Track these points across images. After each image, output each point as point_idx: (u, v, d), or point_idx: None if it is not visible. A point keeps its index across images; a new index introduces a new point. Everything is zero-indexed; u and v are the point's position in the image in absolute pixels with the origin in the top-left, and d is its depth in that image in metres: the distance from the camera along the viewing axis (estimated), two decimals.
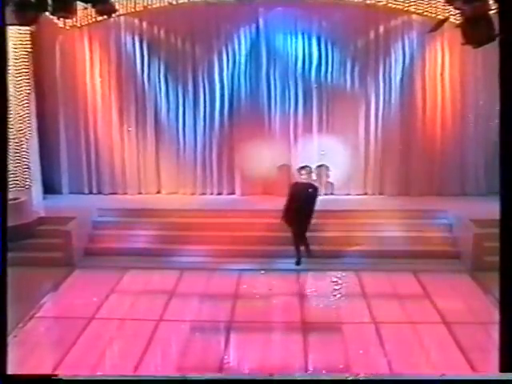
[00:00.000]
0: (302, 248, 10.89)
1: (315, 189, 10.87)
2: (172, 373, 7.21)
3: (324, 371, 7.28)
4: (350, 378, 4.93)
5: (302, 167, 11.03)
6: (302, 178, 10.87)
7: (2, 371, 4.67)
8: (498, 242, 4.58)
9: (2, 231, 4.72)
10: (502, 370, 4.68)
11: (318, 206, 12.17)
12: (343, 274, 10.47)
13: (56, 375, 4.84)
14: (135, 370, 7.21)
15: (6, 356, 4.72)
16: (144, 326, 8.44)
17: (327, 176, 13.43)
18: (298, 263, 10.71)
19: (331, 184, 13.46)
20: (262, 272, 10.35)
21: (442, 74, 13.04)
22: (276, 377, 4.95)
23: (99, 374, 6.34)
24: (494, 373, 4.94)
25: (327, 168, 13.45)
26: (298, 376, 6.39)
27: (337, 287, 10.00)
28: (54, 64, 13.18)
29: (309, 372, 7.26)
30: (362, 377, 5.71)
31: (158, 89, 13.39)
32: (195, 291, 9.85)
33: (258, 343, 7.96)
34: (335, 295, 9.66)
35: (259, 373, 7.23)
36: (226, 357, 7.63)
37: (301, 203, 10.56)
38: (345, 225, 11.77)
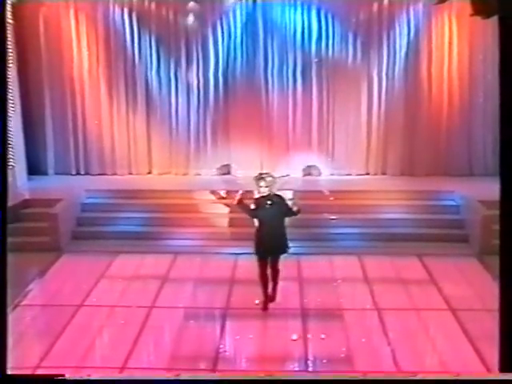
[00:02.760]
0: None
1: (278, 199, 8.34)
2: (164, 363, 7.20)
3: (324, 360, 7.28)
4: (353, 379, 4.94)
5: (261, 177, 8.30)
6: (262, 191, 8.26)
7: (2, 371, 4.70)
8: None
9: (2, 220, 4.71)
10: (502, 370, 4.75)
11: (318, 187, 12.27)
12: (344, 258, 10.47)
13: (60, 375, 4.87)
14: (126, 359, 7.20)
15: (6, 356, 4.73)
16: (135, 314, 8.42)
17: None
18: (265, 307, 8.52)
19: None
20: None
21: (449, 47, 12.95)
22: (275, 377, 4.96)
23: (101, 375, 6.38)
24: (493, 373, 5.11)
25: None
26: (299, 376, 6.39)
27: (338, 272, 9.99)
28: (38, 37, 13.03)
29: (308, 361, 7.27)
30: (365, 377, 5.75)
31: (149, 63, 13.27)
32: (189, 276, 9.83)
33: (255, 331, 7.95)
34: (336, 280, 9.64)
35: (256, 362, 7.26)
36: (221, 346, 7.61)
37: (268, 225, 8.27)
38: (346, 206, 11.74)
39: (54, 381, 4.79)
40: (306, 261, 10.35)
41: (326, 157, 13.46)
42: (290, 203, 8.38)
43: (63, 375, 4.81)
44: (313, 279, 9.71)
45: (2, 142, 4.78)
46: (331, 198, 11.68)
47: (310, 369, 7.13)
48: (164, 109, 13.44)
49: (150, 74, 13.31)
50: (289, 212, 8.37)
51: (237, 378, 5.71)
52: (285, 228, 8.41)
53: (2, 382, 4.69)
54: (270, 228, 8.28)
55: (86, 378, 5.07)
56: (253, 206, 8.35)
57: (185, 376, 4.91)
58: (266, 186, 8.24)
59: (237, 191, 8.74)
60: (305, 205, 11.68)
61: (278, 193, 8.45)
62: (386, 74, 13.20)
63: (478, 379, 5.17)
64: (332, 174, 13.43)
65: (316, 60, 13.13)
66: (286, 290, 9.15)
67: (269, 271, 8.49)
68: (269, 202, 8.23)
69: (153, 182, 13.19)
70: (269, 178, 8.30)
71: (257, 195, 8.45)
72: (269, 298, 8.53)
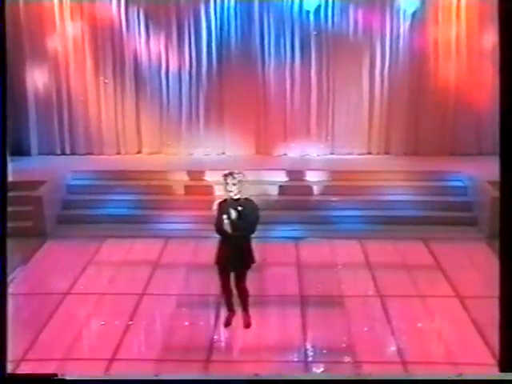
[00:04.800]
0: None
1: (250, 204, 7.42)
2: (156, 353, 7.20)
3: (324, 350, 7.28)
4: (353, 378, 5.02)
5: (227, 174, 7.37)
6: (230, 191, 7.32)
7: (2, 371, 4.89)
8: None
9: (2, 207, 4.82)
10: (502, 370, 4.94)
11: (316, 166, 12.25)
12: (345, 243, 10.46)
13: (57, 374, 5.02)
14: (116, 350, 7.20)
15: (6, 355, 4.92)
16: (125, 301, 8.43)
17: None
18: (228, 323, 7.82)
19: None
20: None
21: (457, 17, 12.83)
22: (260, 377, 5.09)
23: (102, 374, 6.48)
24: (494, 373, 5.20)
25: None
26: (298, 376, 6.40)
27: (338, 257, 9.99)
28: (17, 7, 12.84)
29: (308, 351, 7.28)
30: (365, 377, 5.81)
31: (137, 37, 13.11)
32: (182, 261, 9.83)
33: (251, 319, 7.93)
34: (337, 266, 9.64)
35: (252, 353, 7.29)
36: (216, 335, 7.63)
37: (235, 235, 7.36)
38: (346, 187, 11.72)
39: (53, 380, 4.96)
40: (305, 245, 10.35)
41: (326, 135, 13.39)
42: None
43: (63, 375, 4.96)
44: (312, 265, 9.70)
45: (2, 131, 4.97)
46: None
47: (310, 359, 7.15)
48: (154, 85, 13.32)
49: (139, 48, 13.16)
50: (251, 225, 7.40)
51: (231, 378, 5.78)
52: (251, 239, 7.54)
53: (2, 381, 4.88)
54: (237, 238, 7.38)
55: (85, 377, 5.17)
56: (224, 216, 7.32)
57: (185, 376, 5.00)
58: (234, 184, 7.27)
59: None
60: (303, 186, 11.83)
61: (249, 197, 7.52)
62: (389, 48, 13.07)
63: (478, 379, 5.35)
64: (332, 154, 13.38)
65: (315, 33, 13.01)
66: (283, 277, 9.16)
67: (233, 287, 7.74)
68: (239, 208, 7.24)
69: (143, 162, 13.11)
70: (236, 176, 7.29)
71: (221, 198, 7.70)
72: (244, 323, 7.78)
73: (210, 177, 12.05)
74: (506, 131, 4.80)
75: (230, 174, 7.34)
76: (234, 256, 7.46)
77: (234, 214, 7.21)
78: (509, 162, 4.91)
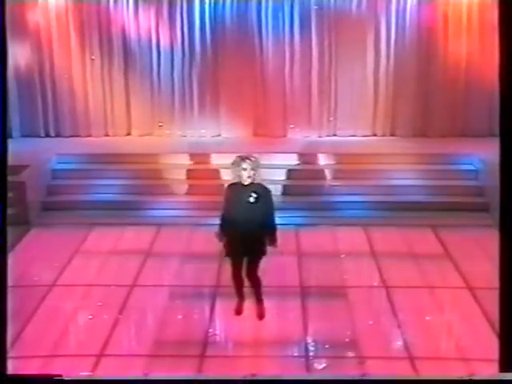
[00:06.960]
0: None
1: (264, 192, 7.35)
2: (147, 348, 7.20)
3: (327, 345, 7.28)
4: (353, 379, 5.07)
5: (243, 159, 7.24)
6: (244, 178, 7.20)
7: (2, 371, 5.05)
8: None
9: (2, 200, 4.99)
10: (502, 369, 5.12)
11: (317, 149, 12.22)
12: (349, 230, 10.47)
13: (57, 375, 5.20)
14: (104, 345, 7.20)
15: (6, 356, 5.07)
16: (114, 293, 8.43)
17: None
18: (239, 312, 7.90)
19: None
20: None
21: None
22: (259, 377, 5.12)
23: (103, 375, 6.56)
24: (493, 373, 5.34)
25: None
26: (298, 376, 6.43)
27: (341, 245, 10.00)
28: None
29: (309, 345, 7.28)
30: (366, 377, 5.82)
31: (125, 10, 13.07)
32: (175, 250, 9.85)
33: (248, 311, 7.95)
34: (339, 255, 9.66)
35: (249, 347, 7.27)
36: (211, 330, 7.62)
37: (248, 223, 7.23)
38: (349, 171, 11.72)
39: (54, 381, 5.17)
40: (306, 233, 10.36)
41: (328, 116, 13.37)
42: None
43: (58, 375, 5.13)
44: (313, 253, 9.72)
45: (2, 123, 5.15)
46: None
47: (311, 354, 7.14)
48: (144, 62, 13.27)
49: (128, 22, 13.11)
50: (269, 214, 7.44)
51: (230, 378, 5.80)
52: (265, 227, 7.48)
53: (2, 381, 5.02)
54: (250, 227, 7.27)
55: (85, 378, 5.15)
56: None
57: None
58: (252, 170, 7.17)
59: None
60: (304, 170, 11.82)
61: (263, 183, 7.48)
62: (396, 22, 13.04)
63: (477, 379, 5.59)
64: (334, 135, 13.37)
65: (316, 7, 12.96)
66: (283, 266, 9.15)
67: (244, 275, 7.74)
68: (253, 195, 7.16)
69: (132, 144, 13.09)
70: (252, 161, 7.18)
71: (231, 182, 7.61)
72: (257, 315, 7.80)
73: (206, 160, 12.05)
74: (506, 113, 4.84)
75: (244, 158, 7.21)
76: (248, 246, 7.45)
77: (252, 198, 7.18)
78: (509, 144, 5.00)
